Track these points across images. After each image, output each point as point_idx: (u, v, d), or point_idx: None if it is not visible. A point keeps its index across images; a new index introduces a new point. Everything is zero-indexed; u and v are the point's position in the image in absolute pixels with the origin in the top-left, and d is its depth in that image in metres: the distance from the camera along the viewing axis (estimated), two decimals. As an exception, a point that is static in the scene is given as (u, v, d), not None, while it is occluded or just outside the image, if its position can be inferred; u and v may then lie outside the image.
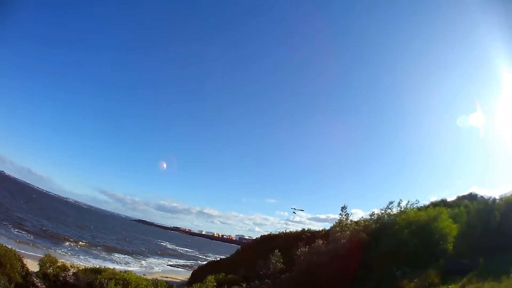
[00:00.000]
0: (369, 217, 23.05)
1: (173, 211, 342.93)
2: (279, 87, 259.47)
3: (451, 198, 24.70)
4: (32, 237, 42.46)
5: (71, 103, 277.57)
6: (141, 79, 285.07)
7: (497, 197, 17.49)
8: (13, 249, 17.06)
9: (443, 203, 22.72)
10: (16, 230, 43.14)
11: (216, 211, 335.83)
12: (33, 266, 18.76)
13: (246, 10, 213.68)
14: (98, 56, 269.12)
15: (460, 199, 23.89)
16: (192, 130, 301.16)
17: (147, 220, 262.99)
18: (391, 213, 21.35)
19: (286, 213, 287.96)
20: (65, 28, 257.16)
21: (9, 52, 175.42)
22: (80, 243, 53.15)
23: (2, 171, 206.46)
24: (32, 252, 30.02)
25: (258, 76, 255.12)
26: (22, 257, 17.36)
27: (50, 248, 38.09)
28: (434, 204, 22.14)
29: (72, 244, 48.98)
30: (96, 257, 46.04)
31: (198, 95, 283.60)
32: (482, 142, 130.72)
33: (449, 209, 18.74)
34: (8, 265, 14.64)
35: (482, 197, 20.69)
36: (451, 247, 15.89)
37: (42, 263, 18.77)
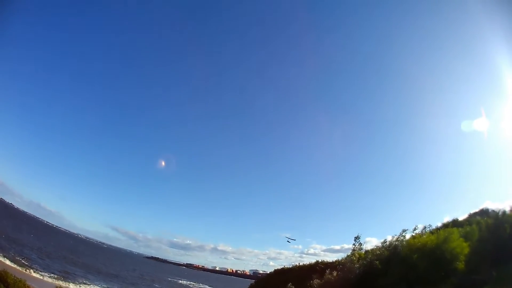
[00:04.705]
0: (381, 245, 22.89)
1: (186, 248, 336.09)
2: (291, 119, 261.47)
3: (463, 216, 24.25)
4: (42, 270, 42.54)
5: (78, 139, 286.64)
6: (153, 116, 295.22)
7: (507, 209, 17.08)
8: (23, 279, 17.35)
9: (454, 223, 22.24)
10: (25, 261, 43.57)
11: (229, 247, 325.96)
12: (43, 297, 18.92)
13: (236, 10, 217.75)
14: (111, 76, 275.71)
15: (472, 216, 23.36)
16: (202, 167, 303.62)
17: (160, 257, 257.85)
18: (403, 239, 21.13)
19: (300, 246, 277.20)
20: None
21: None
22: (92, 278, 52.71)
23: (11, 203, 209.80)
24: (42, 284, 30.00)
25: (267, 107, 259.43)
26: (32, 287, 17.59)
27: (61, 281, 38.15)
28: (446, 225, 21.69)
29: (83, 279, 48.59)
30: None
31: (204, 125, 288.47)
32: (488, 148, 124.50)
33: (460, 229, 18.43)
34: (17, 294, 14.92)
35: (493, 211, 20.17)
36: (462, 266, 15.37)
37: (52, 294, 18.91)
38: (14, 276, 17.13)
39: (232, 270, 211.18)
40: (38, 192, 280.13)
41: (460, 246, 16.00)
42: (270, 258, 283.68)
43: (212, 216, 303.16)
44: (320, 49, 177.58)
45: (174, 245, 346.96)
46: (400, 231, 21.53)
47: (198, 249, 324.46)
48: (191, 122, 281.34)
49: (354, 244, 24.14)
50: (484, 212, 22.49)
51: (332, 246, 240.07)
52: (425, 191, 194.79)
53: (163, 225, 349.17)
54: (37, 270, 41.04)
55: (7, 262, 35.90)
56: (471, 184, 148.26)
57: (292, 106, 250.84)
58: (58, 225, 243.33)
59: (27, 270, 37.58)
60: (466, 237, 16.86)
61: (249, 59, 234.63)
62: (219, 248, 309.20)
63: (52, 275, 41.85)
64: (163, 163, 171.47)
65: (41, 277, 37.41)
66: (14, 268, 33.27)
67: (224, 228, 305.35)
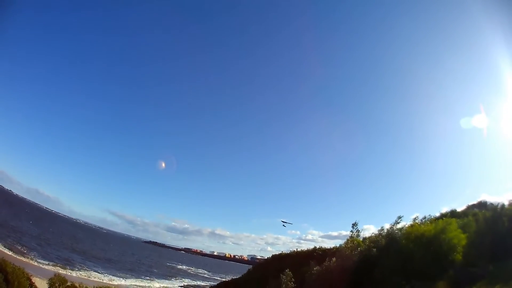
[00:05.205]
0: (379, 233, 22.93)
1: (184, 232, 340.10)
2: (291, 113, 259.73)
3: (461, 207, 24.16)
4: (41, 257, 42.88)
5: (78, 127, 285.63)
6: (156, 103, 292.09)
7: (506, 202, 17.09)
8: (22, 267, 17.23)
9: (452, 213, 22.27)
10: (24, 249, 43.80)
11: (227, 232, 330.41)
12: (42, 285, 18.99)
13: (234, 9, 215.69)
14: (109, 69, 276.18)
15: (470, 208, 23.35)
16: (203, 151, 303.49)
17: (158, 242, 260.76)
18: (400, 227, 21.15)
19: (298, 232, 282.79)
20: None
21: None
22: (90, 264, 53.29)
23: (10, 190, 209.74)
24: (41, 272, 30.04)
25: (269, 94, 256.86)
26: (31, 275, 17.56)
27: (60, 268, 38.43)
28: (444, 215, 21.68)
29: (82, 265, 49.10)
30: (106, 278, 45.96)
31: (206, 113, 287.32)
32: (487, 145, 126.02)
33: (458, 220, 18.32)
34: (16, 283, 14.89)
35: (491, 204, 20.22)
36: (460, 258, 15.42)
37: (51, 282, 18.83)
38: (13, 264, 16.97)
39: (230, 256, 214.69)
40: (37, 179, 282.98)
41: (458, 237, 15.98)
42: (267, 243, 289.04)
43: (209, 201, 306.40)
44: (320, 47, 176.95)
45: (171, 229, 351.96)
46: (396, 218, 21.46)
47: (196, 233, 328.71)
48: (191, 117, 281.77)
49: (351, 231, 23.95)
50: (482, 205, 22.53)
51: (329, 233, 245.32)
52: (425, 183, 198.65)
53: (160, 209, 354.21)
54: (36, 257, 41.36)
55: (6, 250, 36.03)
56: (469, 178, 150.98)
57: (291, 101, 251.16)
58: (56, 211, 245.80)
59: (26, 258, 37.83)
60: (463, 228, 16.82)
61: (249, 57, 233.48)
62: (217, 232, 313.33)
63: (51, 262, 42.18)
64: (163, 164, 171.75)
65: (40, 265, 37.63)
66: (13, 256, 33.39)
67: (222, 213, 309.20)
